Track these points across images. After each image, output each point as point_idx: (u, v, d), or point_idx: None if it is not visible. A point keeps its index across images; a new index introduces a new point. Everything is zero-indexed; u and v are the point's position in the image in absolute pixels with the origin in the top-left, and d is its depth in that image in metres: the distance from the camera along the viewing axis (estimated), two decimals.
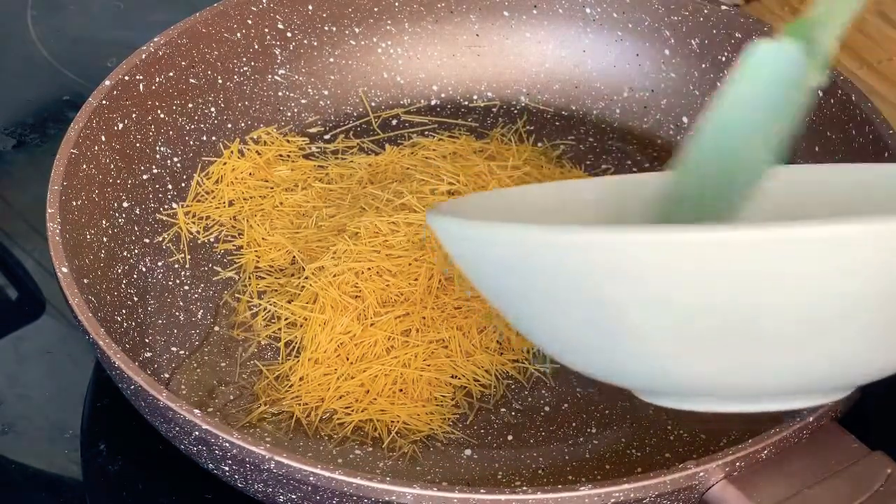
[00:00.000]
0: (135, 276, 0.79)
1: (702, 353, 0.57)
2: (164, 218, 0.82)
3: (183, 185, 0.84)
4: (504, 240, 0.57)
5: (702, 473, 0.64)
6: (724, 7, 0.87)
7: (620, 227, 0.55)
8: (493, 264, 0.59)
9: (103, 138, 0.80)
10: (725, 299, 0.55)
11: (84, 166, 0.78)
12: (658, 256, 0.54)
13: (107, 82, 0.81)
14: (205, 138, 0.86)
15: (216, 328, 0.78)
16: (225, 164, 0.85)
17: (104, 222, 0.78)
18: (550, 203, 0.70)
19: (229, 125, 0.87)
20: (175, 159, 0.84)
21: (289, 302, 0.78)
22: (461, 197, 0.70)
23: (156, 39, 0.84)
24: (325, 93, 0.90)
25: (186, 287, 0.80)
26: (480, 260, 0.60)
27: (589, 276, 0.56)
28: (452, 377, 0.75)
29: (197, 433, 0.65)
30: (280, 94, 0.88)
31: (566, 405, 0.75)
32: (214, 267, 0.81)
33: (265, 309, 0.78)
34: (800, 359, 0.57)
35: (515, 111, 0.90)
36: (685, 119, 0.89)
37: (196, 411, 0.65)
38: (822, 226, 0.53)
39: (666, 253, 0.54)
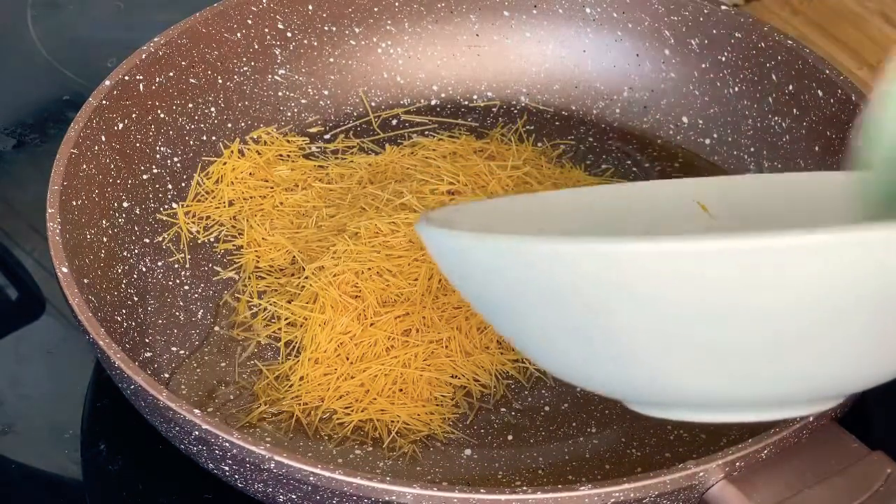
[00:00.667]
0: (135, 276, 0.79)
1: (692, 363, 0.57)
2: (164, 218, 0.82)
3: (183, 185, 0.84)
4: (496, 250, 0.57)
5: (702, 473, 0.64)
6: (724, 7, 0.87)
7: (611, 237, 0.54)
8: (483, 275, 0.59)
9: (103, 138, 0.80)
10: (717, 308, 0.55)
11: (84, 166, 0.78)
12: (649, 265, 0.54)
13: (107, 82, 0.81)
14: (205, 138, 0.86)
15: (216, 328, 0.78)
16: (225, 164, 0.85)
17: (104, 222, 0.78)
18: (537, 212, 0.70)
19: (229, 125, 0.87)
20: (175, 159, 0.84)
21: (289, 302, 0.78)
22: (448, 207, 0.70)
23: (156, 39, 0.84)
24: (325, 93, 0.90)
25: (186, 287, 0.80)
26: (469, 271, 0.59)
27: (580, 286, 0.55)
28: (452, 377, 0.75)
29: (197, 433, 0.65)
30: (280, 94, 0.88)
31: (566, 405, 0.75)
32: (214, 267, 0.81)
33: (265, 309, 0.78)
34: (788, 368, 0.57)
35: (515, 111, 0.90)
36: (685, 119, 0.89)
37: (196, 411, 0.65)
38: (809, 234, 0.53)
39: (656, 262, 0.54)
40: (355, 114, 0.90)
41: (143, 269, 0.80)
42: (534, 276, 0.56)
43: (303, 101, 0.89)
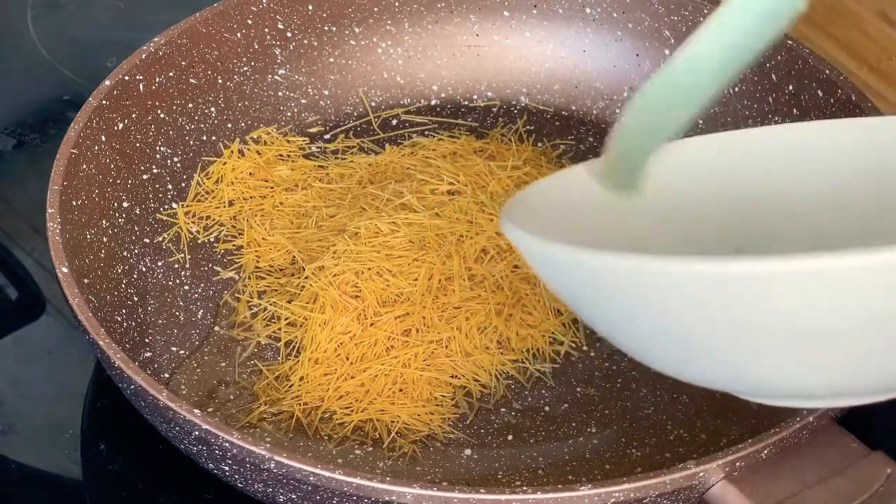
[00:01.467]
0: (135, 276, 0.79)
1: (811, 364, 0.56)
2: (164, 218, 0.82)
3: (183, 185, 0.84)
4: (584, 265, 0.56)
5: (702, 473, 0.64)
6: None
7: (672, 258, 0.54)
8: (574, 281, 0.58)
9: (103, 138, 0.80)
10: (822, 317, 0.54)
11: (84, 166, 0.78)
12: (753, 284, 0.53)
13: (107, 82, 0.81)
14: (205, 138, 0.86)
15: (216, 328, 0.78)
16: (225, 164, 0.85)
17: (104, 222, 0.78)
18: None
19: (229, 125, 0.87)
20: (175, 159, 0.84)
21: (289, 302, 0.78)
22: (527, 190, 0.68)
23: (156, 39, 0.84)
24: (325, 93, 0.90)
25: (186, 287, 0.80)
26: (559, 275, 0.59)
27: (665, 300, 0.55)
28: (452, 377, 0.75)
29: (197, 433, 0.65)
30: (280, 94, 0.88)
31: (566, 405, 0.75)
32: (214, 267, 0.81)
33: (265, 309, 0.78)
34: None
35: (515, 111, 0.90)
36: None
37: (196, 411, 0.65)
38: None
39: (764, 282, 0.53)
40: (355, 114, 0.90)
41: (143, 269, 0.80)
42: (624, 288, 0.56)
43: (303, 101, 0.89)
